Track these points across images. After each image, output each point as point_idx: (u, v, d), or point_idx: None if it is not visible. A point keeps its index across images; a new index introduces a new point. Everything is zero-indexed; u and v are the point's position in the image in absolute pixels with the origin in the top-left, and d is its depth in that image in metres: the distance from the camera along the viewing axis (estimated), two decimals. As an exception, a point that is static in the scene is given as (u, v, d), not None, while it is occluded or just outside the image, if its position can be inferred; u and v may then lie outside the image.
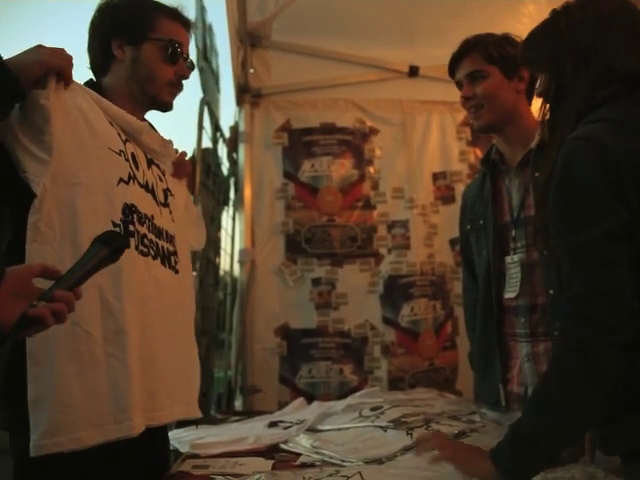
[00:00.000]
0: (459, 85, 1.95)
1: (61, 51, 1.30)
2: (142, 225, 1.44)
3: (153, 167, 1.59)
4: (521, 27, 3.32)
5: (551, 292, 1.76)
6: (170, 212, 1.61)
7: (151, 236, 1.47)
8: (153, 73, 1.54)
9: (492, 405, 1.91)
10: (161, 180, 1.61)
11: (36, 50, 1.25)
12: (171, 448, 1.83)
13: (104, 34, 1.54)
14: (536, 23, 3.27)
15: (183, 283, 1.62)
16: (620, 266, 1.16)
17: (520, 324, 1.84)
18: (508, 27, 3.28)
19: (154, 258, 1.47)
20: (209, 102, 3.23)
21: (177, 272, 1.58)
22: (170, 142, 1.67)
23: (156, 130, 1.67)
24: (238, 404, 3.21)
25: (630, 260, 1.16)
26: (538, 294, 1.81)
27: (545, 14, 3.47)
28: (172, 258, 1.56)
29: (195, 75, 3.34)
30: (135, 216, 1.41)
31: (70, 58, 1.32)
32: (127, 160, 1.45)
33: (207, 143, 3.24)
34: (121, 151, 1.44)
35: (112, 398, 1.29)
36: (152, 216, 1.50)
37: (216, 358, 3.54)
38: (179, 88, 1.61)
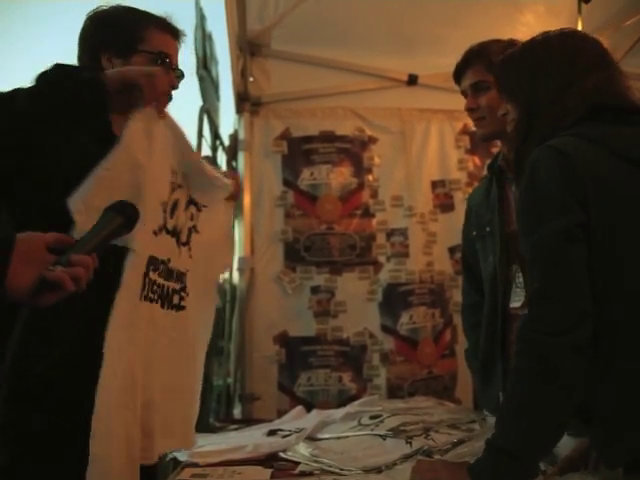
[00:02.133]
0: (464, 94, 1.97)
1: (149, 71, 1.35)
2: (155, 272, 1.43)
3: (191, 206, 1.58)
4: (519, 36, 3.30)
5: None
6: (189, 249, 1.59)
7: (160, 280, 1.45)
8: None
9: (493, 412, 1.90)
10: (192, 219, 1.60)
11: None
12: (170, 457, 1.82)
13: (93, 47, 1.53)
14: (534, 32, 3.28)
15: (188, 318, 1.59)
16: (574, 265, 1.17)
17: None
18: (506, 35, 3.29)
19: (156, 302, 1.46)
20: (209, 110, 3.24)
21: (181, 308, 1.56)
22: (221, 178, 1.65)
23: None
24: (237, 412, 3.20)
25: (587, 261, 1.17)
26: None
27: (543, 23, 3.50)
28: (175, 296, 1.53)
29: (195, 83, 3.36)
30: (152, 266, 1.41)
31: (153, 75, 1.37)
32: (164, 212, 1.45)
33: (207, 151, 3.25)
34: (163, 203, 1.45)
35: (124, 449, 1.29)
36: (169, 259, 1.49)
37: (215, 366, 3.54)
38: (167, 101, 1.56)
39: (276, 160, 3.40)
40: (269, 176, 3.39)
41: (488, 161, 2.16)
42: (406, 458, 1.57)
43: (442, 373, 3.29)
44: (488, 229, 1.98)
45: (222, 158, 3.57)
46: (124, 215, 1.07)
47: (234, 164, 3.50)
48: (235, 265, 3.44)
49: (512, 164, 1.63)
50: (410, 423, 1.84)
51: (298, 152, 3.40)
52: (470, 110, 1.91)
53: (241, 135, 3.41)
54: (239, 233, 3.40)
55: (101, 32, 1.54)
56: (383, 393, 3.20)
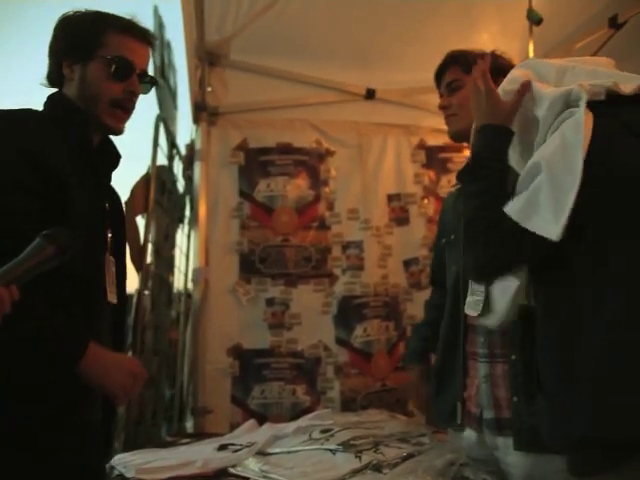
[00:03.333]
0: (442, 95, 2.03)
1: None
2: None
3: None
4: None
5: None
6: None
7: None
8: (97, 92, 1.48)
9: (446, 421, 1.92)
10: None
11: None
12: (116, 473, 1.79)
13: (56, 55, 1.51)
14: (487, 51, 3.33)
15: None
16: None
17: (480, 343, 1.84)
18: None
19: None
20: (165, 119, 3.21)
21: None
22: None
23: (114, 146, 1.62)
24: (189, 425, 3.15)
25: None
26: None
27: (497, 43, 3.55)
28: None
29: (152, 91, 3.32)
30: None
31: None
32: None
33: (162, 160, 3.22)
34: None
35: None
36: None
37: (167, 378, 3.49)
38: (127, 107, 1.53)
39: (233, 171, 3.38)
40: (225, 187, 3.37)
41: (444, 177, 2.19)
42: (355, 473, 1.58)
43: (395, 386, 3.30)
44: (453, 237, 2.01)
45: (178, 167, 3.54)
46: (56, 244, 1.01)
47: (190, 174, 3.48)
48: (190, 276, 3.41)
49: None
50: (360, 437, 1.85)
51: (255, 163, 3.40)
52: (443, 108, 1.97)
53: (198, 145, 3.39)
54: (194, 243, 3.37)
55: (61, 39, 1.52)
56: (337, 406, 3.20)
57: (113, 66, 1.48)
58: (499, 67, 1.86)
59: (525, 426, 1.63)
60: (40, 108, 1.49)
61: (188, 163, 3.48)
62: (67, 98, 1.50)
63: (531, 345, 1.61)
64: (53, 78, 1.53)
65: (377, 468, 1.61)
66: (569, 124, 1.26)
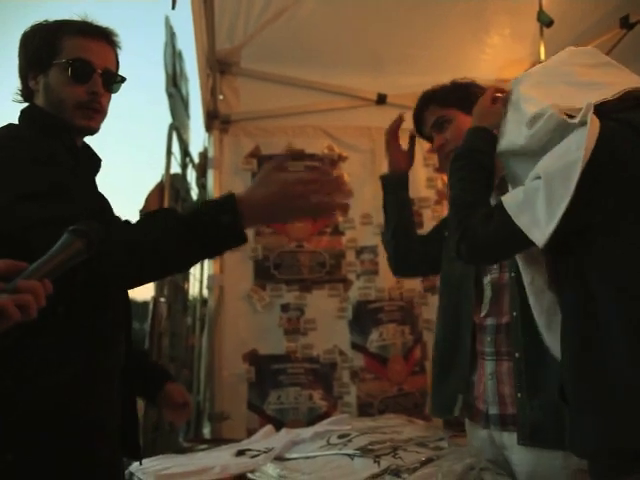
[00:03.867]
0: (429, 139, 2.01)
1: None
2: None
3: None
4: (485, 57, 3.43)
5: (515, 314, 1.81)
6: None
7: None
8: (60, 97, 1.46)
9: (443, 414, 1.96)
10: None
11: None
12: (136, 479, 1.80)
13: (21, 71, 1.51)
14: (500, 54, 3.38)
15: None
16: None
17: (487, 342, 1.87)
18: (472, 57, 3.41)
19: None
20: (178, 128, 3.24)
21: None
22: None
23: (94, 151, 1.60)
24: (206, 431, 3.17)
25: None
26: (503, 314, 1.85)
27: (508, 45, 3.55)
28: None
29: (164, 101, 3.36)
30: None
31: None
32: None
33: (176, 168, 3.25)
34: None
35: None
36: None
37: (184, 385, 3.51)
38: (95, 107, 1.48)
39: (246, 178, 3.40)
40: (239, 194, 3.38)
41: None
42: (374, 478, 1.58)
43: (412, 390, 3.30)
44: None
45: (192, 176, 3.56)
46: (85, 239, 1.00)
47: (204, 181, 3.50)
48: (205, 283, 3.43)
49: None
50: (378, 442, 1.84)
51: (268, 170, 3.40)
52: (440, 147, 1.94)
53: (211, 153, 3.41)
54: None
55: (23, 54, 1.51)
56: (353, 411, 3.20)
57: (69, 69, 1.45)
58: (473, 94, 1.93)
59: (528, 421, 1.68)
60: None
61: (201, 171, 3.50)
62: (37, 108, 1.49)
63: (534, 343, 1.68)
64: (24, 94, 1.53)
65: (396, 473, 1.60)
66: (573, 139, 1.30)
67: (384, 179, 2.24)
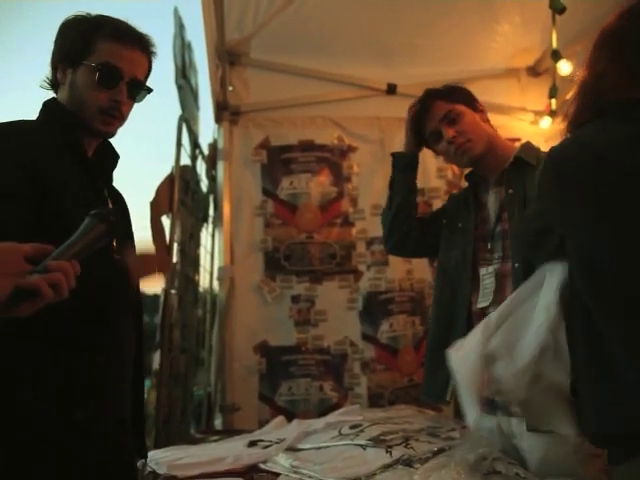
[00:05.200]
0: (434, 135, 2.00)
1: None
2: None
3: None
4: (496, 46, 3.40)
5: None
6: None
7: None
8: (83, 99, 1.47)
9: (435, 399, 2.02)
10: None
11: None
12: (148, 470, 1.81)
13: (53, 59, 1.52)
14: (510, 42, 3.35)
15: None
16: None
17: None
18: (483, 46, 3.38)
19: None
20: (187, 119, 3.23)
21: None
22: None
23: (112, 146, 1.61)
24: (218, 422, 3.18)
25: None
26: None
27: (519, 33, 3.52)
28: None
29: (174, 92, 3.35)
30: None
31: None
32: None
33: (186, 160, 3.23)
34: None
35: None
36: None
37: (195, 376, 3.52)
38: (116, 115, 1.49)
39: (255, 169, 3.40)
40: (249, 185, 3.39)
41: (467, 170, 2.20)
42: (386, 468, 1.58)
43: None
44: (460, 225, 2.07)
45: (202, 167, 3.56)
46: (107, 222, 1.04)
47: (214, 173, 3.50)
48: (215, 274, 3.43)
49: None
50: (390, 432, 1.84)
51: (277, 161, 3.41)
52: (454, 138, 1.94)
53: (220, 144, 3.41)
54: (219, 242, 3.39)
55: (58, 43, 1.52)
56: (364, 402, 3.20)
57: (97, 74, 1.46)
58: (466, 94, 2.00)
59: None
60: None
61: (211, 162, 3.50)
62: (59, 104, 1.50)
63: None
64: (51, 82, 1.55)
65: (408, 463, 1.60)
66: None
67: (395, 157, 2.24)
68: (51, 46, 1.53)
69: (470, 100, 2.01)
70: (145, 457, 1.60)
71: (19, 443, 1.24)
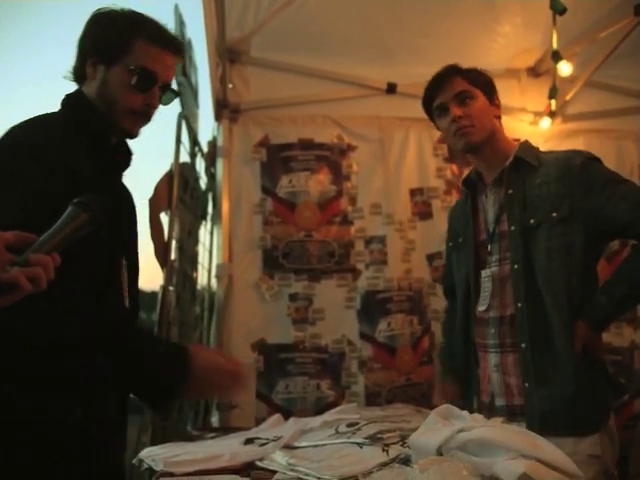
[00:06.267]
0: (440, 108, 1.95)
1: None
2: None
3: None
4: (497, 47, 3.40)
5: (519, 305, 1.81)
6: None
7: None
8: (116, 99, 1.46)
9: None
10: None
11: None
12: (145, 466, 1.81)
13: (82, 50, 1.50)
14: (511, 43, 3.36)
15: None
16: None
17: (490, 335, 1.89)
18: (484, 46, 3.39)
19: None
20: (187, 117, 3.23)
21: None
22: None
23: (127, 144, 1.60)
24: (215, 420, 3.18)
25: None
26: (507, 306, 1.86)
27: (520, 34, 3.53)
28: None
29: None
30: None
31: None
32: None
33: (185, 157, 3.23)
34: None
35: None
36: None
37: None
38: (146, 118, 1.52)
39: (255, 167, 3.40)
40: (248, 183, 3.39)
41: (466, 170, 2.20)
42: (382, 466, 1.57)
43: (420, 380, 3.30)
44: (461, 240, 2.07)
45: (201, 165, 3.56)
46: (89, 212, 1.03)
47: (213, 171, 3.50)
48: (213, 272, 3.43)
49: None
50: (387, 431, 1.84)
51: (277, 159, 3.40)
52: (458, 118, 1.89)
53: (220, 142, 3.41)
54: (217, 240, 3.39)
55: (90, 36, 1.50)
56: (361, 400, 3.20)
57: (135, 77, 1.45)
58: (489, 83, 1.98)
59: (537, 410, 1.73)
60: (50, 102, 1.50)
61: (210, 160, 3.49)
62: (86, 100, 1.48)
63: (540, 333, 1.74)
64: (76, 73, 1.52)
65: (405, 462, 1.60)
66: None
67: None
68: (70, 39, 1.53)
69: (489, 90, 1.96)
70: (124, 450, 1.60)
71: (19, 443, 1.24)
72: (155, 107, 1.50)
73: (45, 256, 0.96)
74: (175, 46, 1.53)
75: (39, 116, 1.44)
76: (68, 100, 1.50)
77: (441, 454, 1.28)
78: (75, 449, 1.29)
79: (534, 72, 3.64)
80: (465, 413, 1.39)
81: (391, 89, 3.57)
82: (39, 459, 1.24)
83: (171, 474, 1.69)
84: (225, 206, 3.34)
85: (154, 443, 2.13)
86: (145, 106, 1.48)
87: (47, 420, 1.25)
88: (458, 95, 1.91)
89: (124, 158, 1.59)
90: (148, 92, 1.48)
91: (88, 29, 1.50)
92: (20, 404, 1.24)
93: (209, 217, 3.63)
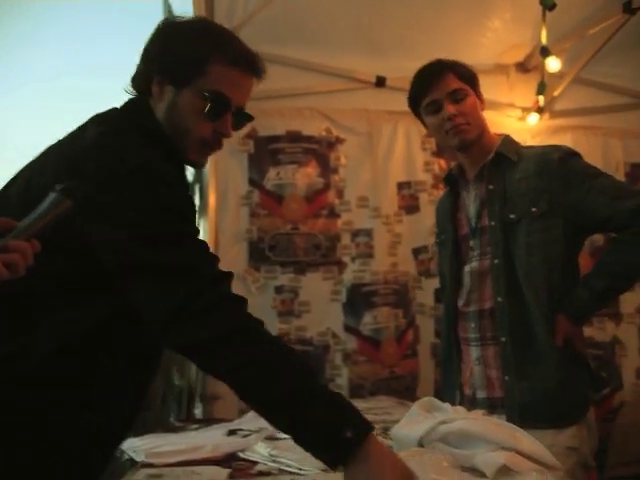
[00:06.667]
0: (432, 105, 1.91)
1: None
2: None
3: None
4: (485, 42, 3.40)
5: (499, 299, 1.82)
6: None
7: None
8: (187, 127, 1.30)
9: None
10: None
11: None
12: (126, 457, 1.80)
13: (149, 64, 1.33)
14: (500, 38, 3.36)
15: None
16: None
17: (471, 329, 1.92)
18: (472, 41, 3.39)
19: None
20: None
21: None
22: None
23: None
24: (198, 412, 3.17)
25: None
26: (486, 300, 1.87)
27: (509, 29, 3.53)
28: None
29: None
30: None
31: None
32: None
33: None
34: None
35: None
36: None
37: (176, 365, 3.50)
38: (215, 147, 1.35)
39: (242, 159, 3.38)
40: (235, 175, 3.37)
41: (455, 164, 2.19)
42: (364, 458, 1.57)
43: (404, 373, 3.31)
44: (443, 236, 2.08)
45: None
46: (73, 198, 0.99)
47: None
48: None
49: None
50: (370, 423, 1.84)
51: (264, 151, 3.39)
52: (453, 116, 1.86)
53: (207, 133, 3.38)
54: (204, 232, 3.38)
55: (159, 50, 1.32)
56: (345, 393, 3.19)
57: (208, 104, 1.28)
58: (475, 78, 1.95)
59: (517, 402, 1.75)
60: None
61: (198, 151, 3.48)
62: (162, 131, 1.30)
63: (520, 327, 1.77)
64: (138, 86, 1.36)
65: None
66: None
67: None
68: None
69: (476, 85, 1.95)
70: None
71: (19, 443, 1.22)
72: (227, 136, 1.34)
73: (24, 242, 0.95)
74: (256, 69, 1.36)
75: (118, 136, 1.24)
76: (143, 125, 1.29)
77: (422, 446, 1.28)
78: (75, 449, 1.27)
79: (523, 68, 3.64)
80: (447, 405, 1.39)
81: (380, 82, 3.56)
82: (39, 459, 1.23)
83: (152, 465, 1.69)
84: (212, 198, 3.32)
85: (136, 434, 2.12)
86: (216, 135, 1.32)
87: (47, 420, 1.23)
88: (452, 93, 1.88)
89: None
90: (219, 120, 1.31)
91: (158, 41, 1.33)
92: (21, 404, 1.22)
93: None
